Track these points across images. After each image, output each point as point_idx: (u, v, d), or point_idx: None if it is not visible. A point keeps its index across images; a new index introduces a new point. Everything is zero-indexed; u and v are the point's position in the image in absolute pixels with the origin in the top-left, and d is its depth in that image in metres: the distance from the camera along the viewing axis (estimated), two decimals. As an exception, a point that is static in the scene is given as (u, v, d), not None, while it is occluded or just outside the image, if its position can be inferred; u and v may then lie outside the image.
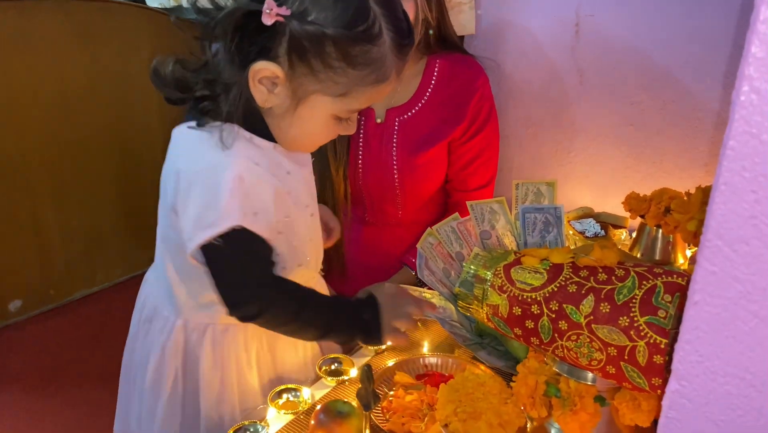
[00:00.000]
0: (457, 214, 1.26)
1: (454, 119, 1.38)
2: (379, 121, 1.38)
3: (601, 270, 0.78)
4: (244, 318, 0.91)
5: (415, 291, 1.25)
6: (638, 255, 1.40)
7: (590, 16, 1.51)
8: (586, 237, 1.43)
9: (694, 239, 0.87)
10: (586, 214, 1.50)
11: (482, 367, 1.06)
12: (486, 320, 0.87)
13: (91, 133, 2.31)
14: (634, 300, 0.73)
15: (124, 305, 1.26)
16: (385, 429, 0.93)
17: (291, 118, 0.86)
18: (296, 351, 1.11)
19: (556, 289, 0.79)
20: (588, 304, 0.76)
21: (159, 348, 1.02)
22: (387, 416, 0.96)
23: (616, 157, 1.59)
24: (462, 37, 1.64)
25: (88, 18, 2.19)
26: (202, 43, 0.84)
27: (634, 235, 1.42)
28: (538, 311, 0.79)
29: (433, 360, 1.09)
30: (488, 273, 0.85)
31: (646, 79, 1.48)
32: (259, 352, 1.06)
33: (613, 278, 0.77)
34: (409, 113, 1.38)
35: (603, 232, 1.44)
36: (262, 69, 0.81)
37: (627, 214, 1.38)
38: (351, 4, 0.79)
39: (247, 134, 0.88)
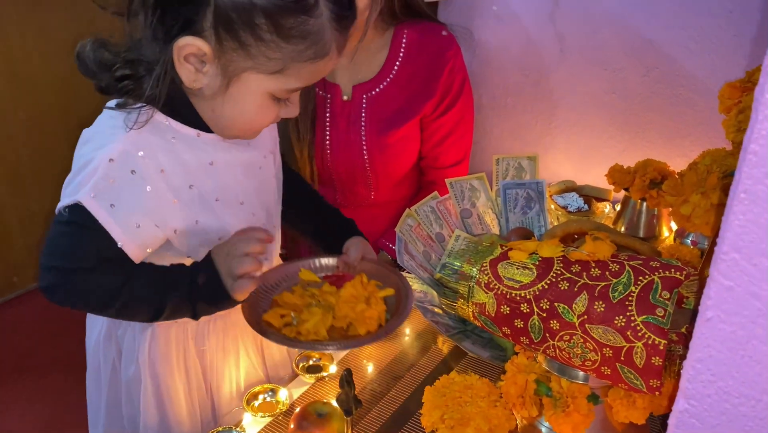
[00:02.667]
0: (436, 193, 1.20)
1: (424, 94, 1.30)
2: (345, 98, 1.30)
3: (594, 265, 0.73)
4: (48, 298, 0.81)
5: None
6: (622, 229, 1.36)
7: (570, -21, 1.44)
8: (569, 212, 1.39)
9: (688, 222, 0.82)
10: (569, 188, 1.45)
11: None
12: (472, 319, 0.81)
13: (46, 110, 2.19)
14: (630, 298, 0.69)
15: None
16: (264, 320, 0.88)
17: (222, 99, 0.78)
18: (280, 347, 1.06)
19: (546, 286, 0.73)
20: (581, 302, 0.70)
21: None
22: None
23: (598, 127, 1.54)
24: (436, 4, 1.56)
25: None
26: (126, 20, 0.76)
27: (617, 208, 1.38)
28: (528, 310, 0.74)
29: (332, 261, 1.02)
30: (474, 269, 0.80)
31: (629, 45, 1.43)
32: (247, 348, 1.01)
33: (607, 273, 0.72)
34: (377, 89, 1.30)
35: (586, 206, 1.40)
36: (187, 45, 0.73)
37: (610, 187, 1.33)
38: None
39: (163, 118, 0.80)
